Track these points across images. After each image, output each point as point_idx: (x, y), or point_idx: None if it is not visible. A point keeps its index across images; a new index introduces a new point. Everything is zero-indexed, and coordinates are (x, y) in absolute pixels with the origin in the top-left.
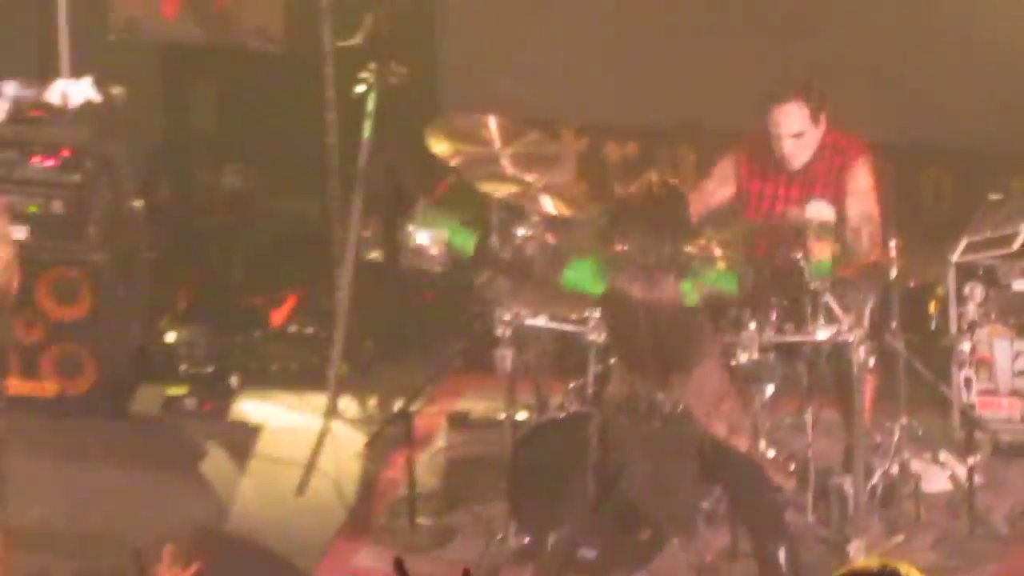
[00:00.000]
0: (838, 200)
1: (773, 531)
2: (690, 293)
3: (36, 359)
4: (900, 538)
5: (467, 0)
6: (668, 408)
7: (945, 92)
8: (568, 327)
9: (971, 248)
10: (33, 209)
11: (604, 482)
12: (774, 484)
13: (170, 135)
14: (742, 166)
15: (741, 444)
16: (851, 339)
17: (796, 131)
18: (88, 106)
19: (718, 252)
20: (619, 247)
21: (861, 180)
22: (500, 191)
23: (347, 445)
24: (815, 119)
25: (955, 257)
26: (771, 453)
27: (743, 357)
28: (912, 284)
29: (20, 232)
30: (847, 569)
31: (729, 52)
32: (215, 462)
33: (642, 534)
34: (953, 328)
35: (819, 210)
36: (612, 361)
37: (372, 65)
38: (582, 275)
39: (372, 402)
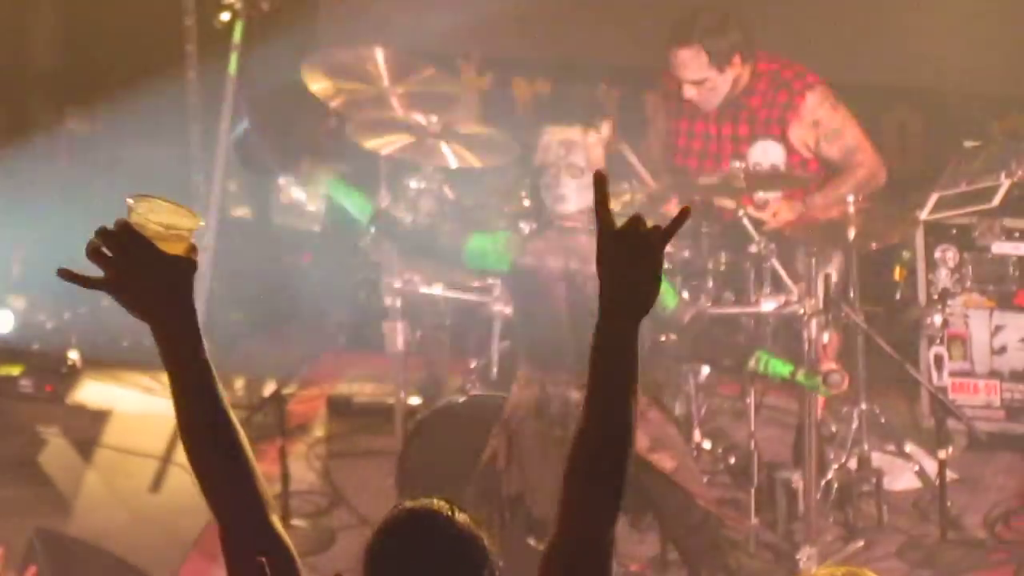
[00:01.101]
0: (784, 142)
1: (710, 562)
2: None
3: None
4: (859, 544)
5: None
6: None
7: (910, 21)
8: (469, 296)
9: (943, 204)
10: None
11: (508, 485)
12: (712, 519)
13: (1, 70)
14: (670, 102)
15: (666, 463)
16: (802, 311)
17: (695, 79)
18: None
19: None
20: (530, 203)
21: (825, 117)
22: (388, 145)
23: None
24: (718, 63)
25: (924, 215)
26: (707, 444)
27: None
28: (874, 246)
29: None
30: None
31: None
32: (55, 453)
33: None
34: (922, 298)
35: (765, 152)
36: (519, 350)
37: None
38: (486, 249)
39: (239, 384)
